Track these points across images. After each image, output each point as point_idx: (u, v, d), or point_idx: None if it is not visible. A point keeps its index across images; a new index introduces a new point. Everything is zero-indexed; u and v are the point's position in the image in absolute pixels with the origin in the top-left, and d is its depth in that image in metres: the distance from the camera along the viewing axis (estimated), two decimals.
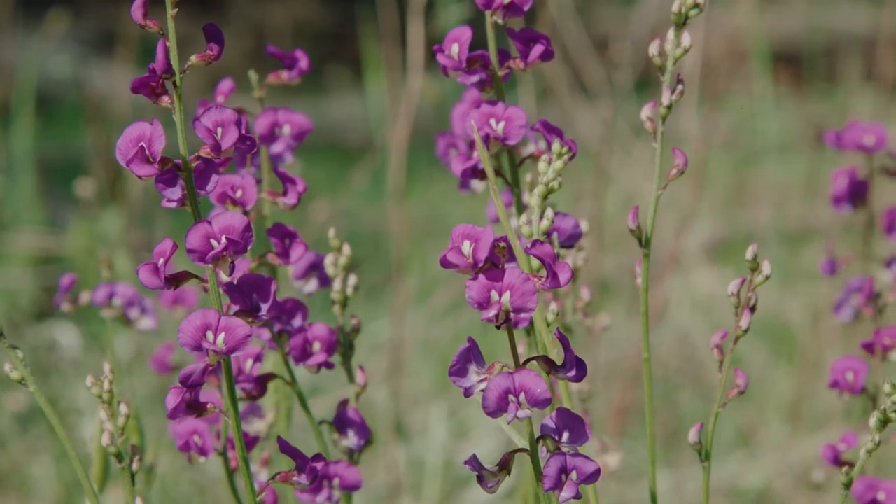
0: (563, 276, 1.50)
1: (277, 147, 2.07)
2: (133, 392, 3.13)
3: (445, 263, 1.48)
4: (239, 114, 1.66)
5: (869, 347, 2.22)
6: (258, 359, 1.96)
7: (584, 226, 1.89)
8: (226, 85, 2.05)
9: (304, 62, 2.08)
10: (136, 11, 1.65)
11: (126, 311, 2.39)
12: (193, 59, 1.66)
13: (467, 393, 1.51)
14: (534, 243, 1.51)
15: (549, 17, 3.97)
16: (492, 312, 1.48)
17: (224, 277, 1.67)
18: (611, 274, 4.24)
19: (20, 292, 4.50)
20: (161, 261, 1.62)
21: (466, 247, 1.48)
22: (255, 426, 2.14)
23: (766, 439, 3.74)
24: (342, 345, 1.99)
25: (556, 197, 1.97)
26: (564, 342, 1.54)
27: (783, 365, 4.09)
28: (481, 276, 1.49)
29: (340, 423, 1.98)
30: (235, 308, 1.69)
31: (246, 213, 1.89)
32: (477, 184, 1.94)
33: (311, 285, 2.07)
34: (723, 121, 5.01)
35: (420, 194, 5.29)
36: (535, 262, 1.62)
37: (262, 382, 1.95)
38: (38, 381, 1.79)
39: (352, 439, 1.97)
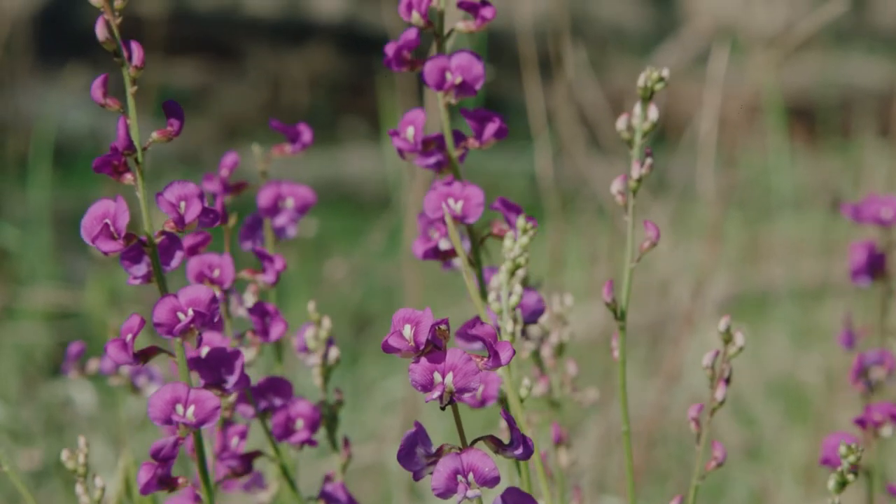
0: (505, 356, 1.51)
1: (281, 220, 2.08)
2: (146, 450, 3.12)
3: (387, 348, 1.49)
4: (202, 190, 1.66)
5: (861, 423, 2.21)
6: (243, 436, 1.96)
7: (546, 301, 1.88)
8: (230, 158, 2.05)
9: (307, 136, 2.09)
10: (96, 91, 1.64)
11: (134, 379, 2.40)
12: (154, 135, 1.66)
13: (416, 476, 1.52)
14: (473, 323, 1.51)
15: (564, 73, 3.98)
16: (436, 394, 1.49)
17: (192, 351, 1.67)
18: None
19: (36, 347, 4.51)
20: (129, 336, 1.63)
21: (408, 330, 1.49)
22: (259, 497, 2.14)
23: (780, 501, 3.72)
24: (326, 417, 1.99)
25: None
26: (510, 422, 1.55)
27: (797, 426, 4.07)
28: (423, 359, 1.50)
29: (327, 499, 1.97)
30: (203, 382, 1.69)
31: (226, 291, 1.89)
32: (458, 262, 1.92)
33: (315, 357, 2.08)
34: (737, 177, 5.01)
35: None
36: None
37: (247, 460, 1.95)
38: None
39: None
